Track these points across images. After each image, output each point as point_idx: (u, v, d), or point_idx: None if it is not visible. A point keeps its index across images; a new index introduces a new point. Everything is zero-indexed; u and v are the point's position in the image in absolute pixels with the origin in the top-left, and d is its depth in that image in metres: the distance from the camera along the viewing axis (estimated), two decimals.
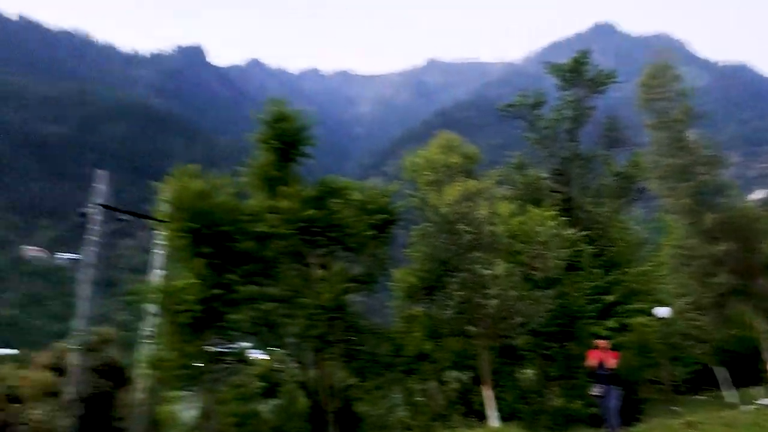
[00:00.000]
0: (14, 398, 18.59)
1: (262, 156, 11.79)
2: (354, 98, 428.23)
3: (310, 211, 10.63)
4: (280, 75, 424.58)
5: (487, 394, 12.83)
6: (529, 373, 16.48)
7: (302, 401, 13.18)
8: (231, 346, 12.35)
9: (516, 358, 15.44)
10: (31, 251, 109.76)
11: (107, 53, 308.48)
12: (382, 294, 16.03)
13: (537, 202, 18.11)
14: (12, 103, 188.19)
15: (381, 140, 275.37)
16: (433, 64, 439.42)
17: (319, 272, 11.70)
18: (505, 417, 13.51)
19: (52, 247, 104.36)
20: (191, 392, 20.75)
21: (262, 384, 10.90)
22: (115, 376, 22.26)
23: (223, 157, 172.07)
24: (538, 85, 25.48)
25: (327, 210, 11.15)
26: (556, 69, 22.84)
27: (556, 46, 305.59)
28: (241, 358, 12.71)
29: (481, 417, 13.72)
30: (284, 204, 10.71)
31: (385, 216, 12.30)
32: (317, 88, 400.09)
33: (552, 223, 14.74)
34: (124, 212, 18.65)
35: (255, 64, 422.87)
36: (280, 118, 11.38)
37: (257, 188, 11.93)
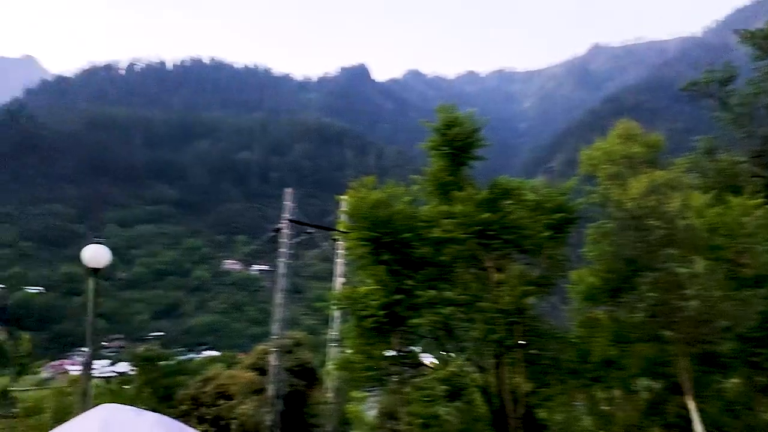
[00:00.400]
0: (225, 395, 21.00)
1: (434, 162, 12.01)
2: (514, 95, 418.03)
3: (485, 215, 10.55)
4: (437, 82, 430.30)
5: (690, 406, 11.58)
6: (734, 382, 14.56)
7: (484, 406, 13.09)
8: (410, 349, 12.72)
9: (719, 365, 13.72)
10: (230, 264, 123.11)
11: (284, 82, 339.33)
12: (557, 297, 15.33)
13: (735, 190, 15.96)
14: (210, 136, 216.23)
15: (545, 135, 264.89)
16: (597, 50, 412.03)
17: (497, 275, 11.55)
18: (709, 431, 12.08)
19: (247, 260, 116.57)
20: (375, 393, 21.78)
21: (445, 387, 11.02)
22: (308, 376, 24.20)
23: (393, 165, 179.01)
24: (724, 57, 22.59)
25: (501, 212, 10.98)
26: (751, 36, 19.97)
27: (741, 12, 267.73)
28: (421, 362, 13.06)
29: (682, 430, 12.44)
30: (458, 208, 10.80)
31: (563, 215, 11.75)
32: (476, 89, 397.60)
33: (759, 213, 12.89)
34: (310, 225, 20.38)
35: (413, 75, 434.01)
36: (450, 124, 11.50)
37: (431, 194, 12.18)
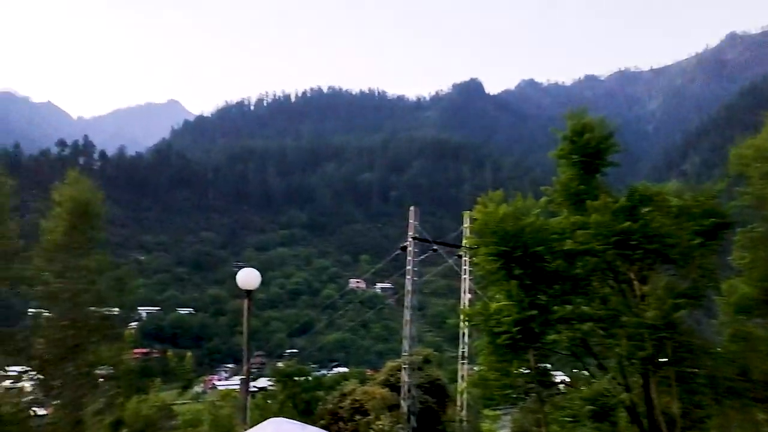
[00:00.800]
0: (361, 410, 21.52)
1: (564, 171, 11.56)
2: (638, 96, 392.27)
3: (625, 224, 9.94)
4: (554, 89, 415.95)
5: None
6: None
7: (631, 428, 12.22)
8: (545, 367, 12.24)
9: None
10: (355, 283, 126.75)
11: (399, 103, 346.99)
12: (700, 310, 13.99)
13: None
14: (334, 159, 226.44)
15: (675, 136, 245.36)
16: (733, 39, 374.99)
17: (641, 288, 10.79)
18: None
19: (371, 278, 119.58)
20: (508, 411, 21.16)
21: (590, 407, 10.43)
22: (439, 393, 24.13)
23: (510, 177, 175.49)
24: None
25: (642, 220, 10.28)
26: None
27: None
28: (557, 380, 12.49)
29: None
30: (594, 218, 10.27)
31: (714, 220, 10.74)
32: (595, 93, 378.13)
33: None
34: (436, 243, 20.50)
35: (528, 84, 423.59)
36: (580, 131, 11.04)
37: (562, 205, 11.72)
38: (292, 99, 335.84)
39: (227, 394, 21.87)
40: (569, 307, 11.21)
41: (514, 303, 10.88)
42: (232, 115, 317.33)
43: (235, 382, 55.41)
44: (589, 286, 11.67)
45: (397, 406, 21.16)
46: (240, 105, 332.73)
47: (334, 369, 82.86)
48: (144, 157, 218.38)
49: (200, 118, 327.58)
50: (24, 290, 20.14)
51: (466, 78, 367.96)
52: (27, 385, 18.87)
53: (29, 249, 17.69)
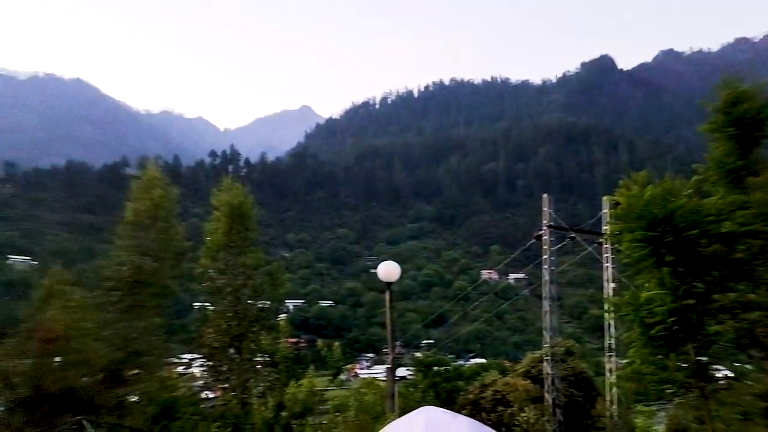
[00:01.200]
0: (503, 402, 21.39)
1: (718, 147, 10.61)
2: None
3: None
4: (698, 57, 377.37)
5: None
6: None
7: None
8: (704, 359, 11.34)
9: None
10: (487, 274, 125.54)
11: (522, 89, 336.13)
12: None
13: None
14: (458, 151, 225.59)
15: None
16: None
17: None
18: None
19: (503, 269, 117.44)
20: (664, 407, 19.84)
21: (763, 404, 9.53)
22: (584, 386, 23.25)
23: (647, 157, 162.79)
24: None
25: None
26: None
27: None
28: (717, 375, 11.52)
29: None
30: (755, 196, 9.35)
31: None
32: (748, 57, 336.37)
33: None
34: (572, 230, 19.72)
35: (667, 54, 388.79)
36: (735, 100, 10.09)
37: (717, 184, 10.78)
38: (415, 94, 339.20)
39: (370, 382, 22.88)
40: (732, 295, 10.30)
41: (668, 291, 10.22)
42: (359, 116, 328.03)
43: (376, 370, 57.60)
44: (753, 271, 10.63)
45: (541, 399, 20.76)
46: (366, 105, 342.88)
47: (471, 360, 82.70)
48: (282, 161, 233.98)
49: (330, 121, 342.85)
50: (192, 286, 22.70)
51: (595, 55, 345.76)
52: (197, 370, 21.23)
53: (195, 249, 19.91)
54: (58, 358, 11.38)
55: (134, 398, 13.67)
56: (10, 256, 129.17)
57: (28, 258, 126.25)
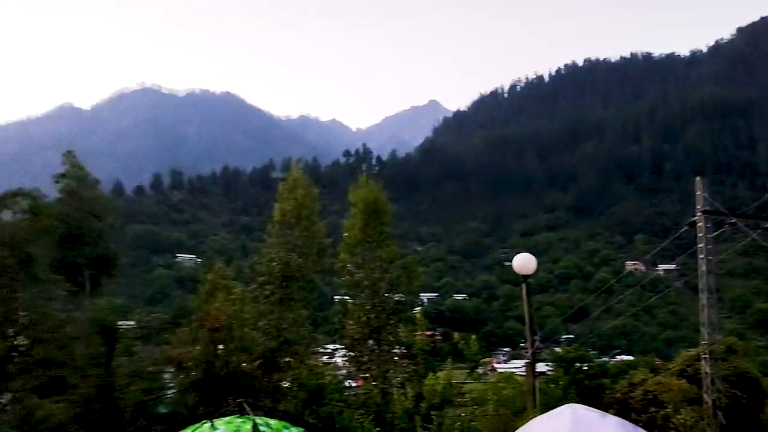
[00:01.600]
0: (655, 402, 19.94)
1: None
2: None
3: None
4: None
5: None
6: None
7: None
8: None
9: None
10: (633, 265, 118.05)
11: (667, 62, 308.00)
12: None
13: None
14: (594, 136, 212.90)
15: None
16: None
17: None
18: None
19: (651, 259, 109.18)
20: None
21: None
22: (748, 386, 20.96)
23: None
24: None
25: None
26: None
27: None
28: None
29: None
30: None
31: None
32: None
33: None
34: (735, 216, 17.77)
35: None
36: None
37: None
38: (546, 79, 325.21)
39: (509, 377, 22.54)
40: None
41: None
42: (487, 106, 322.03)
43: (514, 365, 56.50)
44: None
45: (698, 400, 19.06)
46: (494, 94, 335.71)
47: (617, 356, 77.97)
48: (412, 156, 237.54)
49: (458, 113, 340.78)
50: (333, 280, 24.00)
51: (754, 18, 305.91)
52: (339, 360, 22.42)
53: (334, 245, 21.05)
54: (222, 346, 12.71)
55: (286, 384, 14.81)
56: (180, 255, 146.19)
57: (194, 256, 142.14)
